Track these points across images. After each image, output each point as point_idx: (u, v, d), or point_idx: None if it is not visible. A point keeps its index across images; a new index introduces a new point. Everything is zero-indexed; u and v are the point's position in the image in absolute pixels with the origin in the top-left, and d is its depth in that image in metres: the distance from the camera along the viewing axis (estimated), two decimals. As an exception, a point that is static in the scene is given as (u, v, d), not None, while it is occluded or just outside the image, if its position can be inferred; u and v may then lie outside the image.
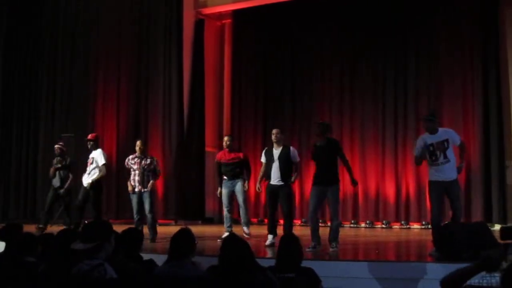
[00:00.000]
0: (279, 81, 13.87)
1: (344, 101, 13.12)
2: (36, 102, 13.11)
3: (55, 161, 10.34)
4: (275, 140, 8.45)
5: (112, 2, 13.39)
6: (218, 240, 8.53)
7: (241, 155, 9.41)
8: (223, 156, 9.31)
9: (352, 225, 12.37)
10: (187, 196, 13.06)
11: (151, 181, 8.98)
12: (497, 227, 10.82)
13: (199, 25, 14.10)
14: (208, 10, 14.15)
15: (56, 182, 10.17)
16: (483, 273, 3.23)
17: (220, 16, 14.68)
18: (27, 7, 13.13)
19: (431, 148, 6.78)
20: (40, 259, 4.24)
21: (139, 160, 9.04)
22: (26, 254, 4.30)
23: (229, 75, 14.59)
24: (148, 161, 9.06)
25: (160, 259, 4.44)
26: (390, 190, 12.44)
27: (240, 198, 9.17)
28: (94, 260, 3.55)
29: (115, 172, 13.08)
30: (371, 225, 12.44)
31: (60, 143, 10.44)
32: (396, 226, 12.27)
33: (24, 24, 13.06)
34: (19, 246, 4.34)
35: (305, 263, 4.37)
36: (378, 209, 12.55)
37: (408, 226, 12.06)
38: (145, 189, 8.92)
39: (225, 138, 9.56)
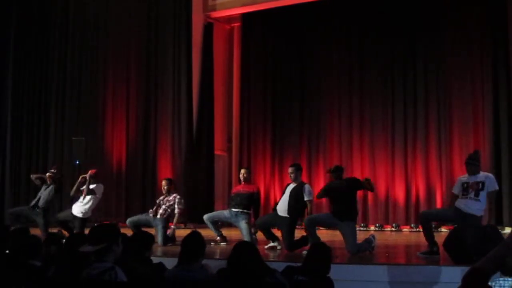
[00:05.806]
0: (288, 84, 13.87)
1: (353, 104, 13.11)
2: (46, 106, 13.16)
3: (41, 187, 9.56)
4: (291, 179, 7.92)
5: (121, 7, 13.43)
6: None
7: (254, 188, 8.59)
8: (239, 189, 8.58)
9: (361, 228, 12.29)
10: (196, 199, 13.06)
11: (173, 227, 8.71)
12: (507, 230, 10.77)
13: (208, 28, 14.15)
14: (217, 14, 14.19)
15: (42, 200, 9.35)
16: (496, 276, 3.19)
17: (229, 19, 14.71)
18: (36, 11, 13.19)
19: (464, 185, 6.80)
20: (47, 263, 4.24)
21: (163, 199, 8.90)
22: (31, 258, 4.29)
23: (238, 78, 14.61)
24: (170, 198, 8.83)
25: (169, 263, 4.44)
26: (399, 193, 12.40)
27: (243, 233, 8.28)
28: (104, 263, 3.53)
29: (124, 176, 13.14)
30: (381, 228, 12.40)
31: (52, 170, 9.69)
32: (405, 229, 12.23)
33: (33, 29, 13.12)
34: (24, 249, 4.35)
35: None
36: (388, 212, 12.52)
37: (417, 229, 11.96)
38: (157, 217, 8.67)
39: (242, 171, 8.74)
